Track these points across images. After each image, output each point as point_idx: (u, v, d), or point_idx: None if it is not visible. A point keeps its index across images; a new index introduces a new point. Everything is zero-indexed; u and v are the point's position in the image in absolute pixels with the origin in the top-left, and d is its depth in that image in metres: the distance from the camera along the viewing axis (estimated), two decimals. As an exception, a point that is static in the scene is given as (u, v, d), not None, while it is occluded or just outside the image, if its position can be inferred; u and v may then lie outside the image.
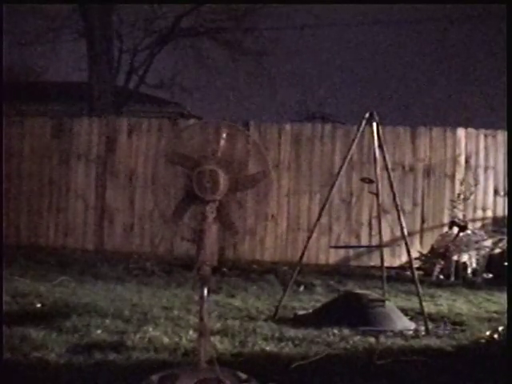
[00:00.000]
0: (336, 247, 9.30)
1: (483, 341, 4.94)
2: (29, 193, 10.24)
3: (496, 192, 9.57)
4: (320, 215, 6.09)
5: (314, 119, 17.91)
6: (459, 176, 9.58)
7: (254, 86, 16.15)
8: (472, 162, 9.65)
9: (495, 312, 6.25)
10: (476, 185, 9.49)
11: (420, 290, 5.71)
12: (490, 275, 8.63)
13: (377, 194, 6.03)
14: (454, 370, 4.29)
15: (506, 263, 8.37)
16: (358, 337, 5.01)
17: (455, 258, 8.67)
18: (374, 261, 8.59)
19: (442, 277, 8.55)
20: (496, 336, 4.84)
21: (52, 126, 10.30)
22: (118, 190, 10.03)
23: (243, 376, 3.80)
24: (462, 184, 9.51)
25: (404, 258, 8.94)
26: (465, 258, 8.73)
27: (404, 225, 5.83)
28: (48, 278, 7.31)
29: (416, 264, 7.70)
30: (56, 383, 3.78)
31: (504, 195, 9.45)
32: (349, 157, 5.98)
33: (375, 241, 9.00)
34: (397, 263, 9.19)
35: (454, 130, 9.73)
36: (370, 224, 9.47)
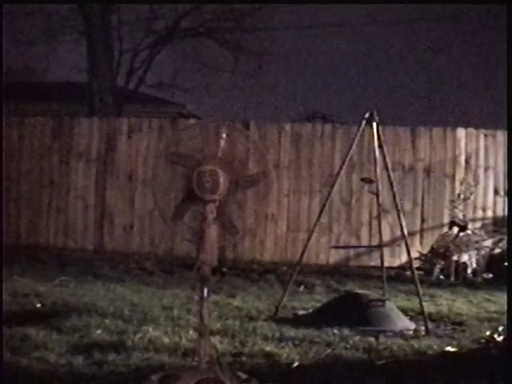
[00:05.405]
0: (336, 247, 9.32)
1: (483, 341, 4.94)
2: (29, 193, 10.25)
3: (496, 192, 9.57)
4: (320, 215, 6.09)
5: (314, 119, 17.87)
6: (459, 176, 9.59)
7: (253, 85, 16.16)
8: (472, 162, 9.66)
9: (495, 312, 6.24)
10: (476, 185, 9.49)
11: (420, 290, 5.71)
12: (490, 275, 8.63)
13: (377, 194, 6.02)
14: (454, 370, 4.28)
15: (506, 263, 8.38)
16: (358, 337, 5.00)
17: (455, 258, 8.67)
18: (374, 261, 8.59)
19: (442, 277, 8.55)
20: (496, 336, 4.83)
21: (52, 125, 10.31)
22: (118, 189, 10.04)
23: (243, 376, 3.80)
24: (461, 184, 9.51)
25: (404, 258, 8.94)
26: (465, 257, 8.73)
27: (404, 225, 5.83)
28: (48, 278, 7.31)
29: (416, 264, 7.70)
30: (56, 383, 3.78)
31: (504, 195, 9.45)
32: (349, 157, 5.98)
33: (375, 241, 8.98)
34: (397, 263, 9.20)
35: (454, 130, 9.73)
36: (370, 224, 9.47)
